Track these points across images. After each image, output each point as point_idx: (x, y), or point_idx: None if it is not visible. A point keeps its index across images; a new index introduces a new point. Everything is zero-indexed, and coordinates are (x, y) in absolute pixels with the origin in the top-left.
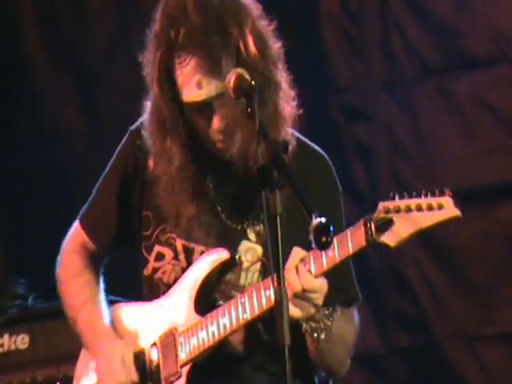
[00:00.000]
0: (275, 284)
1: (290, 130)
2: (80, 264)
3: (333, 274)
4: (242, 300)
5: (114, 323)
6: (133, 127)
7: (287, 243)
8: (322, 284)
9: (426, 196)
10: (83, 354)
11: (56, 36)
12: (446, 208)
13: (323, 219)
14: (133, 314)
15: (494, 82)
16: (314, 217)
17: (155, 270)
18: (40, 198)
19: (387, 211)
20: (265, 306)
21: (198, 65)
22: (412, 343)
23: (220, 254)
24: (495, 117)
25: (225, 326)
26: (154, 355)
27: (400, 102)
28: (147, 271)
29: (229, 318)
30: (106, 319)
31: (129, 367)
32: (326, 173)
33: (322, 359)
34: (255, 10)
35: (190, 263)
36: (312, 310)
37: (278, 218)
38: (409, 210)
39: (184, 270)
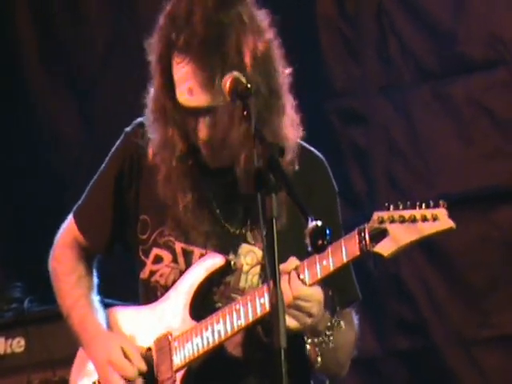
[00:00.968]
0: (271, 286)
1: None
2: (73, 260)
3: (332, 274)
4: (237, 307)
5: (110, 327)
6: (128, 129)
7: (286, 248)
8: (314, 292)
9: (420, 207)
10: (79, 356)
11: (52, 39)
12: (441, 219)
13: (319, 222)
14: (128, 318)
15: (491, 86)
16: (310, 220)
17: (153, 272)
18: (38, 200)
19: (381, 221)
20: (259, 313)
21: (193, 71)
22: (410, 347)
23: (215, 260)
24: (492, 120)
25: (219, 333)
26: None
27: (396, 105)
28: (144, 274)
29: (223, 325)
30: (99, 317)
31: (132, 356)
32: (324, 176)
33: (324, 365)
34: (264, 26)
35: (189, 266)
36: (308, 320)
37: (274, 221)
38: (403, 220)
39: (182, 273)
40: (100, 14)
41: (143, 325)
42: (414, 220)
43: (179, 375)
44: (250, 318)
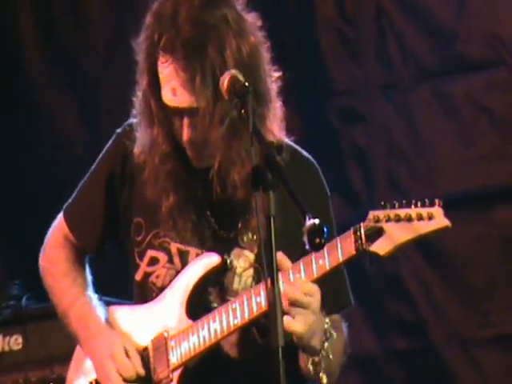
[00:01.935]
0: (269, 284)
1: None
2: (66, 259)
3: (325, 278)
4: (233, 306)
5: (106, 324)
6: (119, 130)
7: (281, 247)
8: (314, 287)
9: (416, 206)
10: (76, 355)
11: (55, 41)
12: (437, 218)
13: (317, 220)
14: (124, 317)
15: (490, 86)
16: (307, 218)
17: (148, 274)
18: (38, 200)
19: (377, 220)
20: (255, 312)
21: (176, 72)
22: (409, 346)
23: (212, 259)
24: (491, 120)
25: (216, 332)
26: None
27: (396, 105)
28: (138, 276)
29: (220, 324)
30: (100, 313)
31: (134, 358)
32: (315, 179)
33: (316, 375)
34: (251, 30)
35: (185, 266)
36: (311, 318)
37: (272, 219)
38: (399, 219)
39: (179, 273)
40: (102, 16)
41: (139, 323)
42: (409, 219)
43: (176, 374)
44: (247, 317)
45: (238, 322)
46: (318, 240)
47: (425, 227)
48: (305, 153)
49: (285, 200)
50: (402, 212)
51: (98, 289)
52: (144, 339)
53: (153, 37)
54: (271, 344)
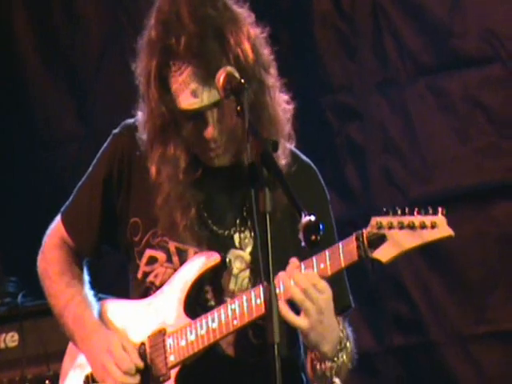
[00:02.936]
0: (264, 281)
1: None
2: (63, 260)
3: (329, 278)
4: (233, 306)
5: (101, 319)
6: (116, 131)
7: (278, 246)
8: (326, 286)
9: (419, 213)
10: (70, 348)
11: (50, 41)
12: (440, 227)
13: (312, 217)
14: (121, 311)
15: (486, 82)
16: (303, 215)
17: (146, 274)
18: (38, 200)
19: (380, 227)
20: (255, 314)
21: (194, 73)
22: (407, 343)
23: (210, 258)
24: (487, 116)
25: (214, 331)
26: (142, 354)
27: (392, 101)
28: (137, 276)
29: (218, 324)
30: (95, 312)
31: (131, 352)
32: (315, 183)
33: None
34: (248, 17)
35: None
36: (315, 315)
37: (268, 216)
38: (402, 226)
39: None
40: (96, 17)
41: (136, 319)
42: (412, 227)
43: (173, 372)
44: (246, 318)
45: (238, 323)
46: (313, 237)
47: (428, 235)
48: (304, 157)
49: (282, 196)
50: (405, 219)
51: (96, 289)
52: (141, 334)
53: (165, 44)
54: (266, 342)
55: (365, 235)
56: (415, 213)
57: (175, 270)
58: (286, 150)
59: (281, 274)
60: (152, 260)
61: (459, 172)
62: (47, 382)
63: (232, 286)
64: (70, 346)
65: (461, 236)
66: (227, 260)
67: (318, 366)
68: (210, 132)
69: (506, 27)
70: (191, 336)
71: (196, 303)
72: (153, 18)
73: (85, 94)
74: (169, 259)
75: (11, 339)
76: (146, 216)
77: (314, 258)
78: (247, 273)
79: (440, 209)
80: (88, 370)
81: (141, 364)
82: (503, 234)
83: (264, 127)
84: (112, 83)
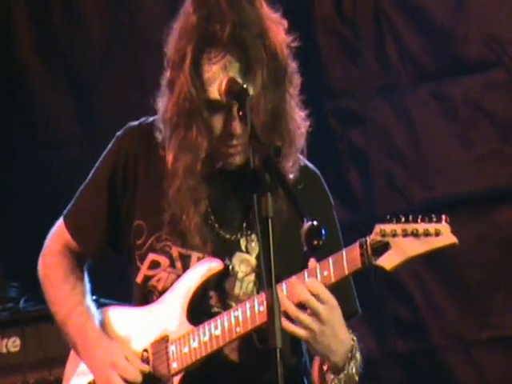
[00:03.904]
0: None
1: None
2: (65, 267)
3: (331, 287)
4: (236, 313)
5: (104, 326)
6: (120, 133)
7: (283, 251)
8: (329, 295)
9: (423, 221)
10: (73, 355)
11: (50, 41)
12: (444, 235)
13: (315, 222)
14: (123, 318)
15: (489, 87)
16: (305, 220)
17: (148, 277)
18: (38, 200)
19: (384, 234)
20: (258, 321)
21: (230, 64)
22: (409, 348)
23: (213, 264)
24: (490, 121)
25: (217, 338)
26: (145, 361)
27: (395, 106)
28: (139, 279)
29: (221, 331)
30: (97, 322)
31: (134, 361)
32: (320, 189)
33: None
34: (284, 22)
35: (186, 271)
36: (316, 325)
37: (270, 221)
38: (406, 234)
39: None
40: (97, 17)
41: (139, 326)
42: (416, 234)
43: (176, 379)
44: (249, 326)
45: (241, 330)
46: (315, 242)
47: (432, 243)
48: (310, 164)
49: (285, 202)
50: (409, 227)
51: (98, 293)
52: (143, 341)
53: (206, 31)
54: (268, 345)
55: (368, 243)
56: (419, 220)
57: (178, 275)
58: (296, 164)
59: (293, 278)
60: (155, 264)
61: (462, 177)
62: None
63: (237, 290)
64: (73, 351)
65: (463, 241)
66: (230, 267)
67: (326, 377)
68: (236, 127)
69: (508, 32)
70: (194, 343)
71: (199, 310)
72: (189, 4)
73: (86, 93)
74: (172, 264)
75: (13, 344)
76: (150, 219)
77: (317, 265)
78: (252, 277)
79: (444, 216)
80: (91, 377)
81: (145, 368)
82: (506, 239)
83: (279, 134)
84: (113, 84)
